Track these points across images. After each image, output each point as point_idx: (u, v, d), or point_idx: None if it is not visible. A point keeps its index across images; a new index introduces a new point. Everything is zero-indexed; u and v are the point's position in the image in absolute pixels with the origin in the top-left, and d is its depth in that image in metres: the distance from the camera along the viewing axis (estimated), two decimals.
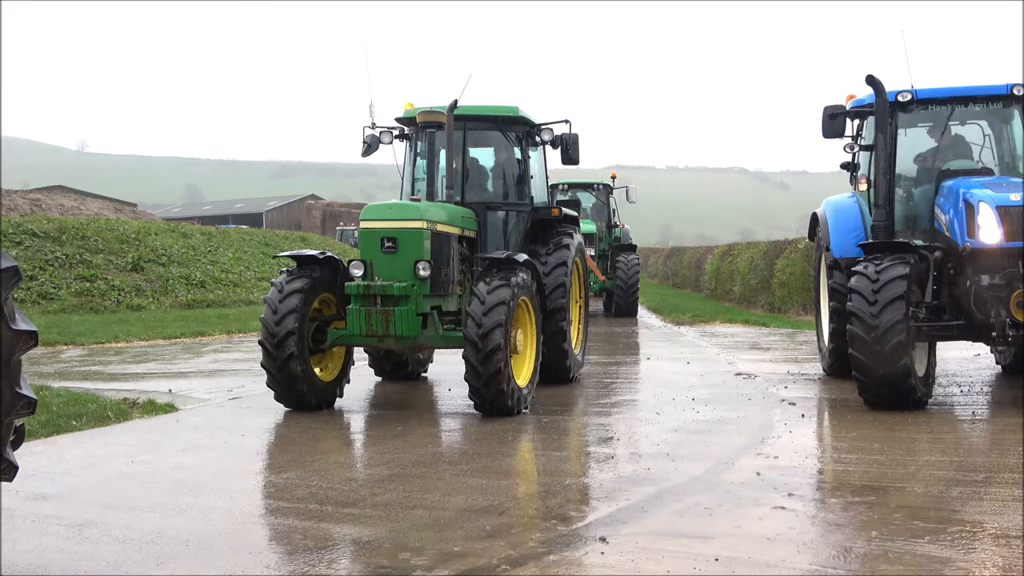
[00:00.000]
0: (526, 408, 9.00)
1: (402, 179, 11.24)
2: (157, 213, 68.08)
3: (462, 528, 5.14)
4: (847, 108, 10.48)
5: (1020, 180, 9.18)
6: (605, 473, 6.59)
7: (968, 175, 9.48)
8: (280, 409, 9.25)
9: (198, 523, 5.35)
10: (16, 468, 4.42)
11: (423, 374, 11.87)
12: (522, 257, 9.33)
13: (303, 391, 9.07)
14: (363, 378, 11.36)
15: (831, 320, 10.66)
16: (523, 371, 9.23)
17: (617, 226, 24.43)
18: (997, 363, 11.49)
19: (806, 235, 12.89)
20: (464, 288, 9.98)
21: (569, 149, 11.19)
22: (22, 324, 4.17)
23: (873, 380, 8.44)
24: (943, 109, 10.19)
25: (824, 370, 11.37)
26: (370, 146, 10.97)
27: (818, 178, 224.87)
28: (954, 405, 9.09)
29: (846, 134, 10.60)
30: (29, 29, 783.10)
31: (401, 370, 11.49)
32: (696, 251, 39.86)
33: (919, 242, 9.44)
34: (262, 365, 9.08)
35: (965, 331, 8.83)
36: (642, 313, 23.89)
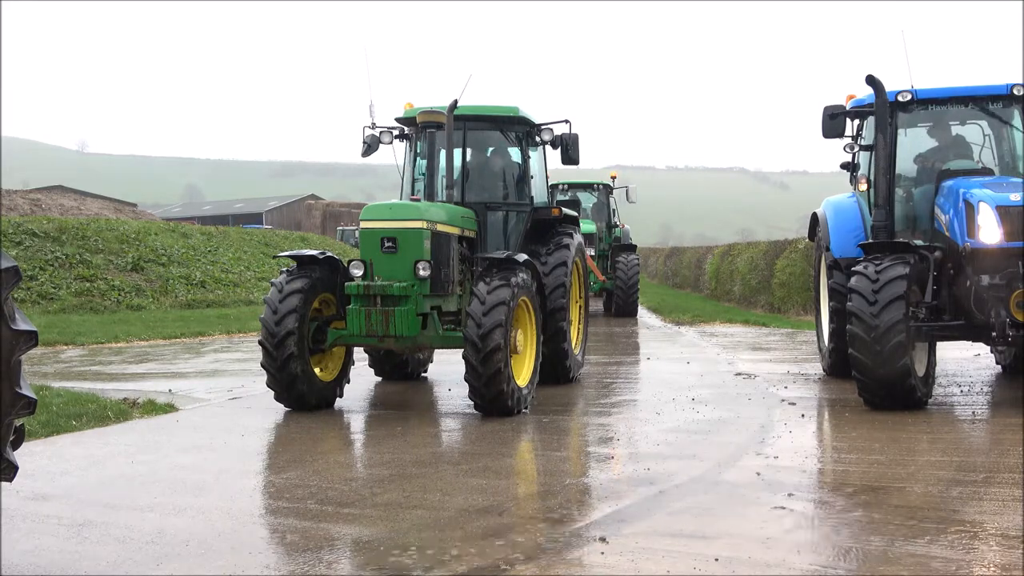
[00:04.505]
0: (526, 408, 9.00)
1: (402, 179, 11.24)
2: (157, 213, 68.07)
3: (462, 528, 5.14)
4: (847, 108, 10.48)
5: (1020, 180, 9.17)
6: (605, 473, 6.59)
7: (968, 175, 9.48)
8: (280, 409, 9.25)
9: (198, 523, 5.35)
10: (16, 468, 4.42)
11: (423, 374, 11.87)
12: (522, 257, 9.33)
13: (303, 391, 9.07)
14: (363, 378, 11.36)
15: (831, 320, 10.66)
16: (523, 371, 9.23)
17: (617, 226, 24.44)
18: (997, 363, 11.49)
19: (806, 235, 12.89)
20: (464, 288, 9.98)
21: (569, 149, 11.19)
22: (22, 324, 4.17)
23: (873, 380, 8.44)
24: (943, 109, 10.19)
25: (824, 370, 11.37)
26: (370, 146, 10.96)
27: (818, 178, 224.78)
28: (954, 405, 9.09)
29: (846, 134, 10.60)
30: (29, 29, 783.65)
31: (401, 370, 11.49)
32: (696, 251, 39.86)
33: (919, 242, 9.44)
34: (262, 365, 9.09)
35: (965, 331, 8.83)
36: (642, 313, 23.89)
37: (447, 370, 12.01)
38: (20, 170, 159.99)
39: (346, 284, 9.01)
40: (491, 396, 8.55)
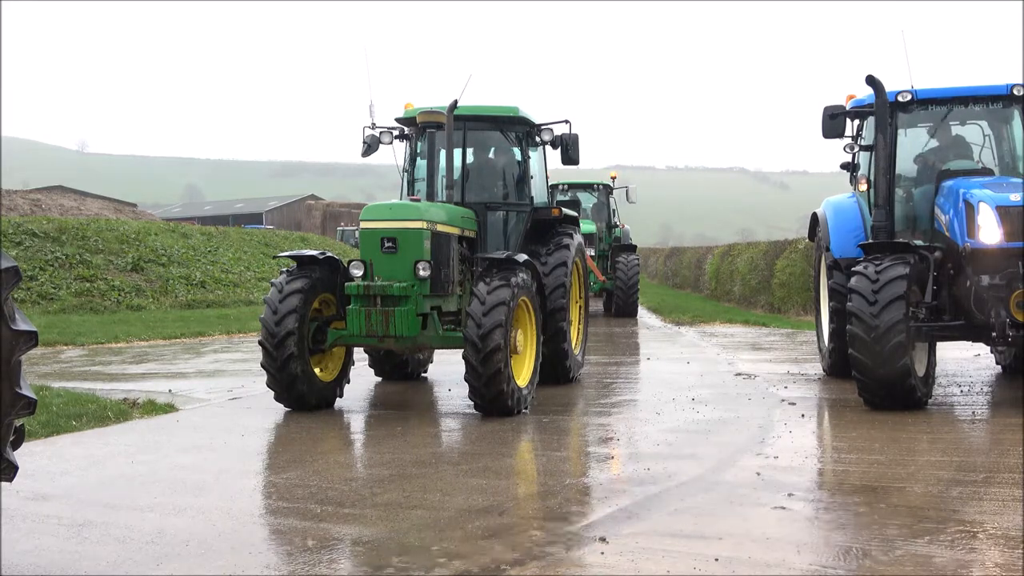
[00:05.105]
0: (526, 408, 9.00)
1: (402, 179, 11.24)
2: (157, 213, 68.08)
3: (462, 528, 5.14)
4: (847, 108, 10.48)
5: (1020, 180, 9.18)
6: (605, 473, 6.59)
7: (968, 175, 9.48)
8: (280, 409, 9.25)
9: (198, 523, 5.35)
10: (16, 468, 4.42)
11: (423, 374, 11.87)
12: (522, 257, 9.33)
13: (303, 391, 9.07)
14: (363, 378, 11.36)
15: (831, 320, 10.66)
16: (523, 371, 9.22)
17: (617, 226, 24.43)
18: (997, 363, 11.50)
19: (806, 235, 12.89)
20: (464, 288, 9.98)
21: (569, 149, 11.19)
22: (22, 324, 4.17)
23: (873, 380, 8.43)
24: (943, 109, 10.19)
25: (824, 370, 11.37)
26: (370, 146, 10.96)
27: (818, 178, 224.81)
28: (954, 405, 9.09)
29: (846, 134, 10.60)
30: (29, 29, 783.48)
31: (401, 370, 11.49)
32: (696, 251, 39.86)
33: (919, 242, 9.44)
34: (262, 365, 9.08)
35: (965, 331, 8.83)
36: (642, 313, 23.89)
37: (447, 370, 12.01)
38: (20, 170, 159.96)
39: (346, 284, 9.01)
40: (491, 396, 8.55)
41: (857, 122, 10.72)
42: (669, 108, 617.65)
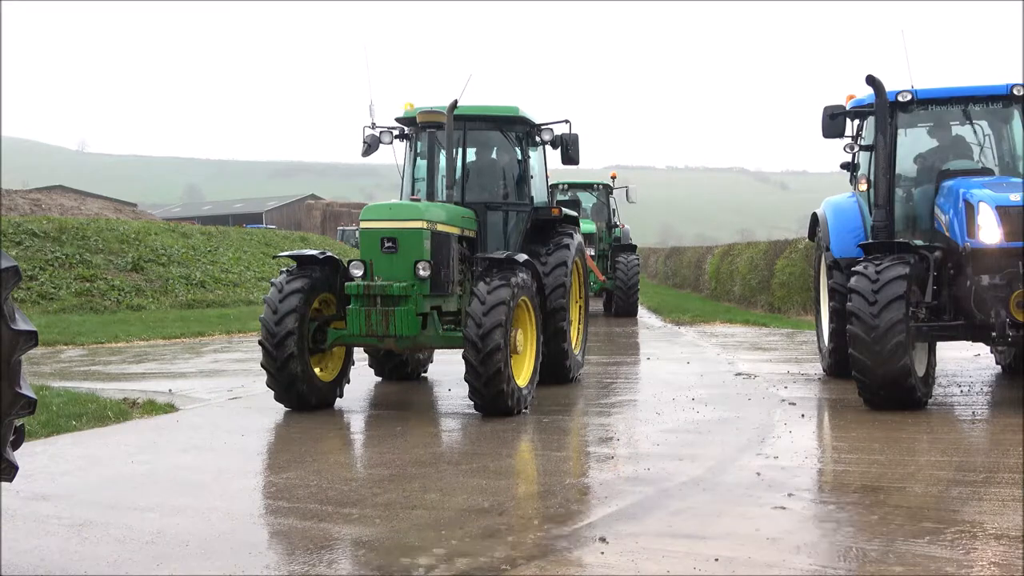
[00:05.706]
0: (526, 408, 9.00)
1: (402, 179, 11.25)
2: (157, 213, 68.09)
3: (462, 528, 5.14)
4: (847, 108, 10.48)
5: (1020, 180, 9.18)
6: (605, 473, 6.59)
7: (968, 175, 9.49)
8: (280, 409, 9.25)
9: (198, 523, 5.35)
10: (16, 468, 4.42)
11: (423, 374, 11.87)
12: (522, 257, 9.33)
13: (303, 391, 9.07)
14: (363, 378, 11.36)
15: (831, 320, 10.66)
16: (523, 371, 9.23)
17: (617, 226, 24.44)
18: (997, 363, 11.50)
19: (806, 235, 12.89)
20: (464, 288, 9.98)
21: (569, 149, 11.19)
22: (22, 324, 4.17)
23: (873, 380, 8.44)
24: (943, 109, 10.19)
25: (824, 370, 11.37)
26: (370, 146, 10.97)
27: (818, 178, 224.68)
28: (954, 405, 9.09)
29: (846, 134, 10.61)
30: (29, 29, 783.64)
31: (401, 370, 11.49)
32: (696, 251, 39.84)
33: (919, 242, 9.44)
34: (262, 365, 9.09)
35: (965, 331, 8.84)
36: (642, 313, 23.89)
37: (447, 370, 12.01)
38: (20, 170, 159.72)
39: (346, 284, 9.02)
40: (491, 396, 8.55)
41: (857, 122, 10.73)
42: (669, 108, 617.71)
